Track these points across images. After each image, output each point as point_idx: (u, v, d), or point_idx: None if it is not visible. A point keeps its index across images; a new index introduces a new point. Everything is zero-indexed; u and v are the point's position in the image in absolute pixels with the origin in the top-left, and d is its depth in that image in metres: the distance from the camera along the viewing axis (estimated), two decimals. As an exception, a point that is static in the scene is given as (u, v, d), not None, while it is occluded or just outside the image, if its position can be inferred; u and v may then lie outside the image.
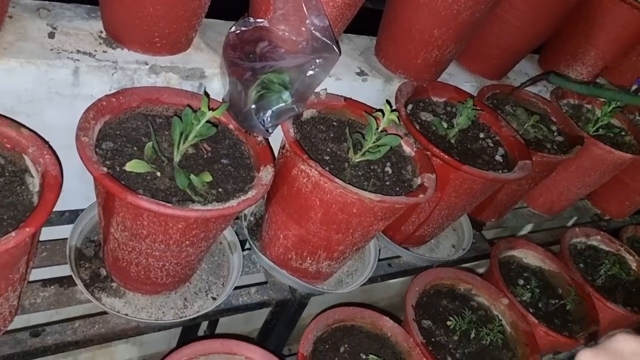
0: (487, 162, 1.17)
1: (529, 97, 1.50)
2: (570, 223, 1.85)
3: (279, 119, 0.92)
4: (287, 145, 0.93)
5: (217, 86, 1.02)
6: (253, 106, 0.89)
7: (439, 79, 1.33)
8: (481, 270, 1.56)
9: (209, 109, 0.80)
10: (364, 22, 1.24)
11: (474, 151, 1.18)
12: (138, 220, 0.78)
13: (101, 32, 0.96)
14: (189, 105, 0.94)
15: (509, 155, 1.22)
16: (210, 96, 0.99)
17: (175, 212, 0.74)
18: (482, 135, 1.25)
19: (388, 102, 1.03)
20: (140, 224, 0.78)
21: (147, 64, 0.94)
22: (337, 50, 0.94)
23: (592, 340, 1.29)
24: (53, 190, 0.70)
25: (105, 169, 0.75)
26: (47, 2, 0.96)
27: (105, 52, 0.92)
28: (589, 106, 1.66)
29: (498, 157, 1.20)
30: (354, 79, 1.20)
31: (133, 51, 0.95)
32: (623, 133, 1.61)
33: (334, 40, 0.95)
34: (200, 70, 1.00)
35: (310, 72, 0.93)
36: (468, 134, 1.22)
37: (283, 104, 0.92)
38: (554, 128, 1.44)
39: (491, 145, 1.23)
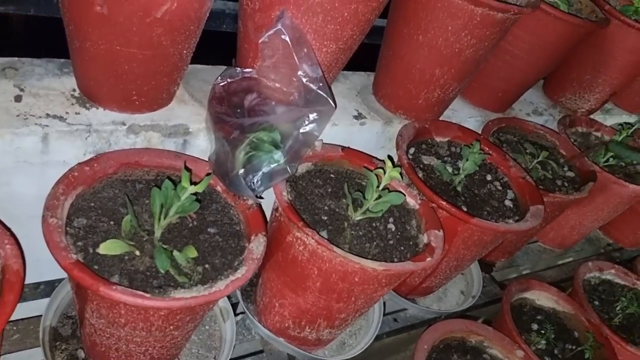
0: (496, 209, 1.08)
1: (536, 129, 1.42)
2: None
3: (270, 182, 0.84)
4: (280, 209, 0.85)
5: (203, 143, 0.94)
6: (242, 171, 0.81)
7: (441, 116, 1.26)
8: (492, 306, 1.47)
9: (191, 183, 0.72)
10: (360, 57, 1.16)
11: (481, 197, 1.10)
12: (114, 310, 0.69)
13: (74, 90, 0.88)
14: (171, 168, 0.86)
15: (519, 199, 1.14)
16: (195, 155, 0.91)
17: (154, 304, 0.66)
18: (489, 177, 1.17)
19: (390, 157, 0.95)
20: (117, 313, 0.70)
21: (124, 123, 0.86)
22: (332, 103, 0.86)
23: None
24: (13, 289, 0.61)
25: (74, 255, 0.67)
26: (15, 59, 0.88)
27: (78, 113, 0.84)
28: (598, 134, 1.58)
29: (508, 202, 1.12)
30: (352, 123, 1.12)
31: (109, 110, 0.87)
32: (635, 162, 1.53)
33: (329, 91, 0.87)
34: (184, 126, 0.92)
35: (304, 129, 0.86)
36: (474, 177, 1.14)
37: (275, 165, 0.84)
38: (563, 162, 1.36)
39: (500, 188, 1.15)
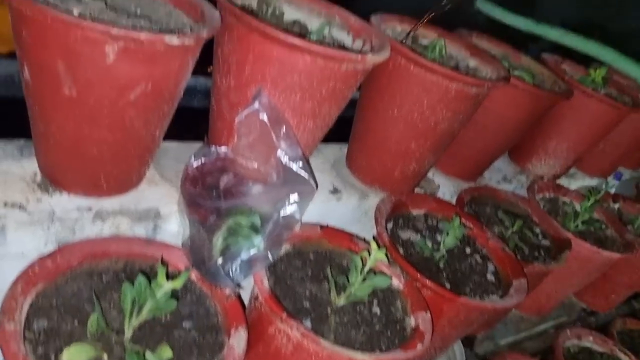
0: (479, 284, 1.06)
1: (507, 197, 1.42)
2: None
3: (250, 269, 0.79)
4: (261, 299, 0.79)
5: (175, 227, 0.88)
6: (220, 260, 0.76)
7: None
8: None
9: (167, 278, 0.66)
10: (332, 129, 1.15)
11: (463, 272, 1.08)
12: None
13: (36, 174, 0.81)
14: (141, 256, 0.80)
15: (500, 272, 1.12)
16: (167, 239, 0.85)
17: (126, 421, 0.58)
18: (468, 250, 1.14)
19: (375, 239, 0.92)
20: None
21: (91, 209, 0.80)
22: (313, 184, 0.83)
23: None
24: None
25: (34, 367, 0.59)
26: (-31, 141, 0.82)
27: (40, 200, 0.78)
28: (566, 199, 1.60)
29: (490, 276, 1.10)
30: (328, 199, 1.09)
31: (74, 195, 0.81)
32: (604, 227, 1.55)
33: (310, 171, 0.84)
34: (155, 209, 0.86)
35: (285, 211, 0.81)
36: (454, 251, 1.12)
37: (255, 251, 0.79)
38: (537, 231, 1.36)
39: (480, 261, 1.13)
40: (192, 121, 1.12)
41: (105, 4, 0.74)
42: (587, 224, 1.48)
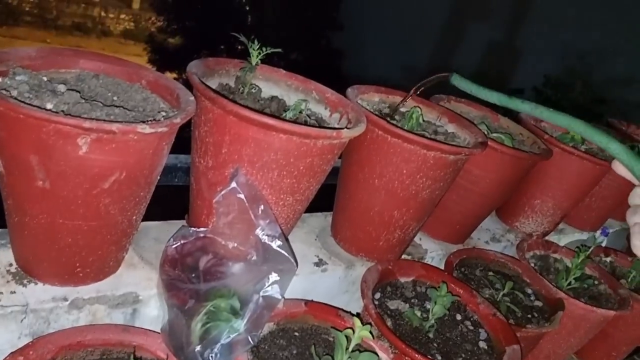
0: (471, 354, 1.03)
1: (497, 258, 1.41)
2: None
3: (230, 354, 0.77)
4: (243, 385, 0.77)
5: (154, 311, 0.87)
6: (199, 347, 0.74)
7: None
8: None
9: (141, 372, 0.64)
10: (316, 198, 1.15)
11: (454, 340, 1.05)
12: None
13: (11, 264, 0.80)
14: (119, 344, 0.78)
15: (492, 339, 1.09)
16: (146, 325, 0.83)
17: None
18: (459, 317, 1.12)
19: (358, 315, 0.90)
20: None
21: (66, 299, 0.79)
22: (293, 262, 0.82)
23: None
24: None
25: None
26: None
27: (14, 292, 0.76)
28: (556, 255, 1.59)
29: (482, 344, 1.07)
30: (313, 271, 1.08)
31: (50, 285, 0.79)
32: (596, 282, 1.53)
33: (289, 249, 0.83)
34: (134, 294, 0.84)
35: (265, 291, 0.80)
36: (444, 318, 1.09)
37: (235, 335, 0.77)
38: (529, 291, 1.34)
39: (471, 328, 1.10)
40: (173, 199, 1.13)
41: (81, 95, 0.76)
42: (579, 281, 1.46)
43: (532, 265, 1.44)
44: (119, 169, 0.71)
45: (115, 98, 0.83)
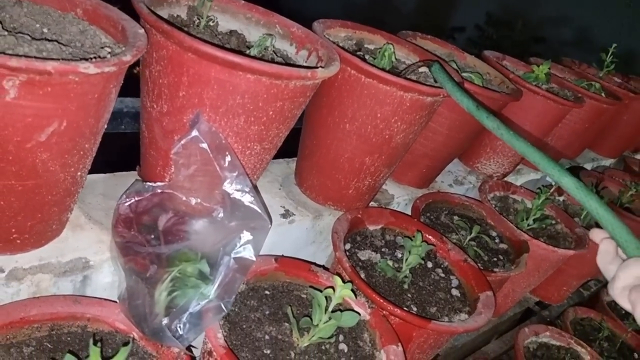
0: (445, 302, 1.00)
1: (461, 201, 1.38)
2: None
3: (201, 324, 0.69)
4: (216, 356, 0.69)
5: (107, 277, 0.76)
6: (165, 319, 0.65)
7: (370, 201, 1.18)
8: None
9: (103, 351, 0.55)
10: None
11: (427, 290, 1.02)
12: None
13: None
14: (70, 318, 0.68)
15: (464, 286, 1.07)
16: (99, 294, 0.74)
17: None
18: (430, 264, 1.09)
19: (339, 275, 0.83)
20: None
21: (3, 270, 0.67)
22: (267, 218, 0.74)
23: None
24: None
25: None
26: None
27: (-63, 266, 0.64)
28: (515, 197, 1.59)
29: (455, 291, 1.04)
30: (280, 223, 1.00)
31: (-19, 256, 0.67)
32: (554, 222, 1.54)
33: (262, 204, 0.75)
34: (83, 260, 0.74)
35: (237, 252, 0.72)
36: (416, 267, 1.06)
37: (205, 302, 0.69)
38: (494, 234, 1.33)
39: (443, 275, 1.08)
40: (121, 148, 1.00)
41: (1, 26, 0.62)
42: (539, 222, 1.47)
43: (493, 206, 1.43)
44: (57, 117, 0.59)
45: (45, 30, 0.69)
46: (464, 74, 1.22)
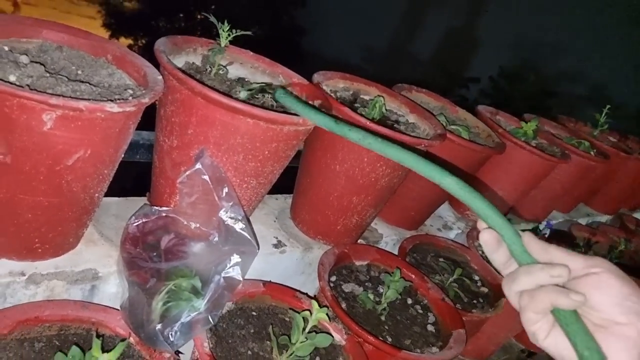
0: (419, 336, 1.08)
1: (447, 244, 1.47)
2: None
3: (190, 333, 0.78)
4: (201, 363, 0.78)
5: (113, 288, 0.87)
6: (159, 325, 0.75)
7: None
8: None
9: (104, 347, 0.65)
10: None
11: (404, 323, 1.10)
12: None
13: (-35, 237, 0.79)
14: (77, 320, 0.78)
15: (440, 323, 1.15)
16: (105, 302, 0.84)
17: None
18: (410, 300, 1.17)
19: (315, 298, 0.93)
20: None
21: (24, 274, 0.78)
22: (255, 245, 0.84)
23: None
24: None
25: None
26: None
27: (-31, 268, 0.75)
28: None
29: (430, 327, 1.12)
30: (272, 252, 1.10)
31: (7, 259, 0.78)
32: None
33: (252, 232, 0.85)
34: (93, 271, 0.84)
35: (227, 272, 0.82)
36: (396, 302, 1.14)
37: (195, 314, 0.78)
38: (476, 278, 1.41)
39: (421, 312, 1.16)
40: (134, 176, 1.12)
41: (45, 67, 0.74)
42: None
43: (480, 253, 1.51)
44: (83, 146, 0.71)
45: (79, 72, 0.82)
46: (452, 127, 1.33)
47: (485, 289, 1.38)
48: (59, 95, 0.65)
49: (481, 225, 0.64)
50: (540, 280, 0.56)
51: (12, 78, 0.69)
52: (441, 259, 1.41)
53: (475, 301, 1.32)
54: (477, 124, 1.50)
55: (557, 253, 0.58)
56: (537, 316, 0.56)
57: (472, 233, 1.59)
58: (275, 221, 1.19)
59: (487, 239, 0.62)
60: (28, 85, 0.68)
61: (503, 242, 0.61)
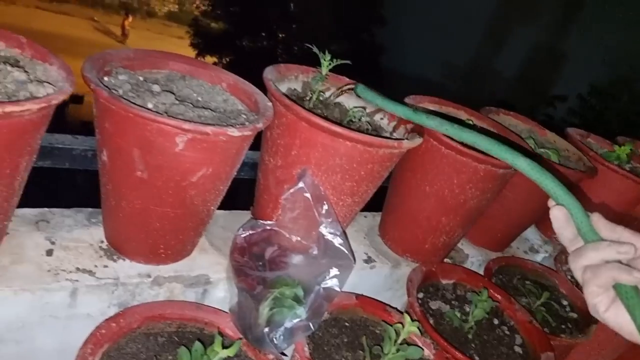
0: (506, 356, 1.09)
1: (534, 267, 1.46)
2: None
3: (292, 337, 0.85)
4: (301, 366, 0.85)
5: (221, 293, 0.96)
6: (266, 329, 0.82)
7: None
8: None
9: (223, 347, 0.73)
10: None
11: (491, 343, 1.12)
12: None
13: (102, 241, 0.91)
14: (193, 320, 0.87)
15: (527, 345, 1.15)
16: (214, 304, 0.93)
17: None
18: (496, 321, 1.18)
19: (408, 313, 0.97)
20: None
21: (149, 276, 0.89)
22: (352, 259, 0.90)
23: None
24: None
25: None
26: (46, 210, 0.92)
27: (106, 266, 0.86)
28: (593, 270, 1.63)
29: (517, 348, 1.13)
30: (362, 267, 1.16)
31: (135, 262, 0.89)
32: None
33: (349, 247, 0.91)
34: (205, 276, 0.94)
35: (326, 283, 0.88)
36: (482, 321, 1.16)
37: (297, 321, 0.85)
38: (565, 302, 1.39)
39: (508, 333, 1.17)
40: (239, 191, 1.22)
41: (175, 96, 0.85)
42: (614, 296, 1.50)
43: (569, 277, 1.49)
44: (206, 165, 0.80)
45: (199, 99, 0.92)
46: (540, 150, 1.34)
47: (574, 314, 1.36)
48: (190, 121, 0.75)
49: (551, 203, 0.68)
50: (606, 256, 0.60)
51: (149, 105, 0.80)
52: (528, 282, 1.41)
53: (563, 326, 1.30)
54: (567, 147, 1.49)
55: (624, 232, 0.63)
56: (600, 289, 0.60)
57: (560, 257, 1.57)
58: (364, 238, 1.25)
59: (557, 215, 0.66)
60: (166, 112, 0.79)
61: (572, 220, 0.65)
